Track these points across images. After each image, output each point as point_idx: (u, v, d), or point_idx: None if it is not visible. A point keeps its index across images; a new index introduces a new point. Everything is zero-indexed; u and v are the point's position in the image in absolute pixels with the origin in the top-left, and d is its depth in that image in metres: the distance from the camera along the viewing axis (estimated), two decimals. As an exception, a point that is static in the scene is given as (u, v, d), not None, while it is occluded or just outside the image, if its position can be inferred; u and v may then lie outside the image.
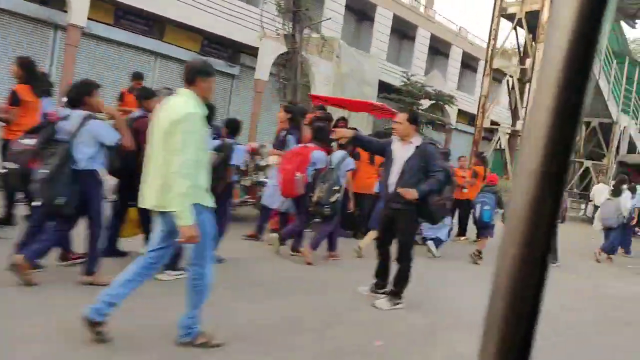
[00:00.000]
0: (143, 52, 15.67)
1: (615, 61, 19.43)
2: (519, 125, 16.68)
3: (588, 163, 20.81)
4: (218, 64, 17.24)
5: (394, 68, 21.20)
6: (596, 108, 19.71)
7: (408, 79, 20.75)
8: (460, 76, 25.91)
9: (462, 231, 8.93)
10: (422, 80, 21.98)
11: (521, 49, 17.78)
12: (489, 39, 16.67)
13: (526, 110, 16.17)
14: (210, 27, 16.27)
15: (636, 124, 21.68)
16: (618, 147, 20.52)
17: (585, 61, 0.42)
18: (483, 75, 16.81)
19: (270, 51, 16.75)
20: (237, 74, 17.61)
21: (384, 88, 20.48)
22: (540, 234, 0.44)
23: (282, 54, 17.26)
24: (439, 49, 25.01)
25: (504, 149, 17.54)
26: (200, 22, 15.91)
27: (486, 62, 16.63)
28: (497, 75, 20.95)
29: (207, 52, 16.95)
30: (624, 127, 20.80)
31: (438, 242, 7.26)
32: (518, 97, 16.48)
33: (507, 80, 17.07)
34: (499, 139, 17.29)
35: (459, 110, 24.00)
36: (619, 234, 9.85)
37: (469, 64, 25.86)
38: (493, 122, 18.73)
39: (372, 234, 6.46)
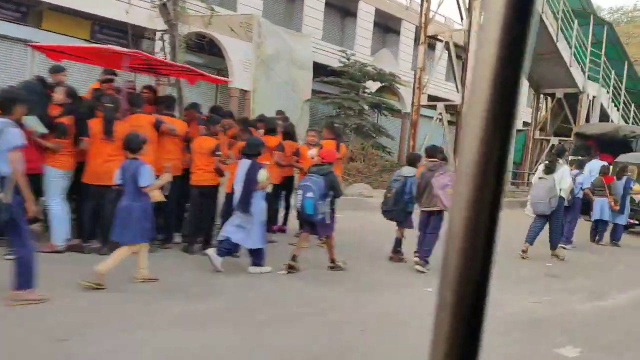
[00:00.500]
0: (16, 43, 13.47)
1: (576, 21, 17.09)
2: (463, 98, 14.32)
3: (555, 140, 18.47)
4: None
5: (331, 48, 18.91)
6: (558, 77, 17.42)
7: (348, 59, 18.47)
8: (415, 55, 23.55)
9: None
10: (368, 60, 19.73)
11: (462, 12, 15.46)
12: (422, 1, 14.39)
13: (462, 81, 13.88)
14: (99, 11, 14.09)
15: (608, 92, 19.30)
16: (588, 120, 18.15)
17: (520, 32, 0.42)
18: (418, 44, 14.53)
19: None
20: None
21: (321, 70, 18.24)
22: (484, 219, 0.44)
23: (186, 35, 15.09)
24: (389, 26, 22.74)
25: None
26: (85, 4, 13.73)
27: (420, 28, 14.36)
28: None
29: (100, 39, 14.75)
30: (593, 96, 18.44)
31: (227, 249, 5.06)
32: (455, 64, 14.18)
33: (447, 48, 14.75)
34: (441, 116, 15.00)
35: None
36: (559, 221, 7.57)
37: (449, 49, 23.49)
38: (433, 98, 16.46)
39: (122, 252, 4.25)
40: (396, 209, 6.14)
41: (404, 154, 19.17)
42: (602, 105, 18.92)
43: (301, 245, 5.43)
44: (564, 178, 7.42)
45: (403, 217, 6.22)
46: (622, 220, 9.16)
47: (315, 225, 5.31)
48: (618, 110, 20.03)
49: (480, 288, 0.45)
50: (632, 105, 20.58)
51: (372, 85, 19.86)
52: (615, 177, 9.21)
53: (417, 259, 5.96)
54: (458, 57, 14.65)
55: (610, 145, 12.99)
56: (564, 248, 8.42)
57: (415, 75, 14.61)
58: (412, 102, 14.49)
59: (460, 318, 0.45)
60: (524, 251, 7.16)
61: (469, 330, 0.45)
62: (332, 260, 5.42)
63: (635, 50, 27.55)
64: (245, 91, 16.27)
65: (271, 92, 16.56)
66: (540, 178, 7.47)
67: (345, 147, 6.47)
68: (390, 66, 20.25)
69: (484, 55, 0.42)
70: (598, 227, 9.08)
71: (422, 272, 5.73)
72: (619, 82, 19.72)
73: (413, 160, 6.38)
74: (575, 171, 8.64)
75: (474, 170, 0.43)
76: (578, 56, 17.93)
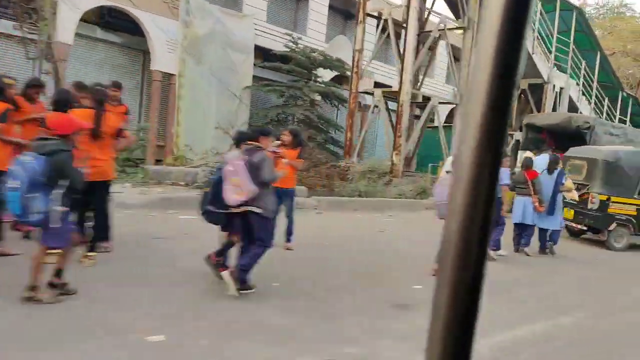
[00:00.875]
0: None
1: (539, 3, 15.51)
2: (402, 83, 12.67)
3: (518, 135, 16.90)
4: (5, 25, 13.35)
5: (277, 31, 17.31)
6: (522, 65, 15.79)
7: (295, 44, 16.84)
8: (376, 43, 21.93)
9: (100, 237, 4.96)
10: (322, 47, 18.12)
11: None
12: (360, -24, 12.81)
13: (402, 63, 12.27)
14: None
15: (577, 83, 17.73)
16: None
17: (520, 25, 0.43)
18: (356, 24, 12.94)
19: (77, 2, 12.85)
20: (38, 39, 13.71)
21: (267, 55, 16.66)
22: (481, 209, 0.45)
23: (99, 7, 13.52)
24: (350, 12, 21.09)
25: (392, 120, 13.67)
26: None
27: (359, 6, 12.77)
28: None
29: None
30: (561, 88, 16.87)
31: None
32: (394, 45, 12.59)
33: (386, 27, 13.16)
34: (379, 104, 13.40)
35: (375, 83, 20.02)
36: None
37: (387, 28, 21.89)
38: (374, 85, 14.89)
39: None
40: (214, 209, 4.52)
41: (357, 146, 17.59)
42: (571, 98, 17.37)
43: (42, 262, 3.76)
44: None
45: (225, 219, 4.62)
46: (554, 224, 7.57)
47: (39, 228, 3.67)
48: (590, 103, 18.47)
49: (474, 290, 0.46)
50: (606, 99, 19.03)
51: (327, 74, 18.22)
52: (545, 172, 7.63)
53: (229, 273, 4.36)
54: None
55: (564, 138, 11.42)
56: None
57: (353, 58, 13.01)
58: (350, 89, 12.90)
59: (455, 318, 0.46)
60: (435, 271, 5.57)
61: (463, 331, 0.46)
62: (32, 288, 3.66)
63: (615, 43, 26.05)
64: (171, 75, 14.67)
65: (202, 77, 15.00)
66: (447, 172, 5.88)
67: (120, 118, 4.81)
68: (348, 54, 18.65)
69: (480, 63, 0.43)
70: (522, 233, 7.48)
71: (234, 295, 4.15)
72: (591, 74, 18.16)
73: (240, 142, 4.77)
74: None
75: (470, 175, 0.44)
76: (544, 44, 16.39)
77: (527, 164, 7.39)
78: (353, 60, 13.21)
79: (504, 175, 6.97)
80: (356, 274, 5.22)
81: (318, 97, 17.61)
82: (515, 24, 0.42)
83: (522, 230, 7.45)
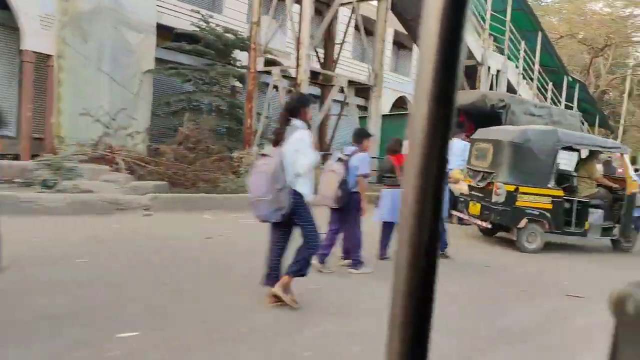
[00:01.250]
0: None
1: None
2: (299, 59, 10.89)
3: (452, 122, 15.37)
4: None
5: (186, 8, 15.41)
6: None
7: (206, 22, 14.94)
8: (316, 25, 20.17)
9: None
10: (244, 28, 16.27)
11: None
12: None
13: (299, 36, 10.53)
14: None
15: (517, 66, 16.32)
16: (490, 98, 15.10)
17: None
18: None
19: None
20: None
21: (175, 35, 14.76)
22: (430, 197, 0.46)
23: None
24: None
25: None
26: None
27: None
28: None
29: None
30: (497, 70, 15.42)
31: None
32: (289, 16, 10.85)
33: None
34: (277, 84, 11.64)
35: (312, 72, 18.21)
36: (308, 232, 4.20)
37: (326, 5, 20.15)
38: (270, 63, 13.15)
39: None
40: None
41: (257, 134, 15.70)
42: (509, 82, 15.95)
43: None
44: (302, 151, 3.92)
45: None
46: (433, 222, 5.95)
47: None
48: (531, 88, 17.12)
49: (428, 278, 0.47)
50: (550, 84, 17.72)
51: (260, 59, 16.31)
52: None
53: None
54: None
55: (480, 119, 9.88)
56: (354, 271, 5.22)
57: (250, 32, 11.21)
58: (248, 67, 11.10)
59: (412, 305, 0.47)
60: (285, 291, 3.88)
61: (421, 317, 0.48)
62: None
63: (566, 26, 24.93)
64: (49, 56, 12.64)
65: (87, 59, 12.99)
66: (262, 155, 4.08)
67: None
68: (275, 38, 16.83)
69: (425, 55, 0.44)
70: (391, 234, 5.81)
71: None
72: (532, 56, 16.79)
73: None
74: (350, 148, 5.42)
75: (420, 164, 0.45)
76: (477, 23, 14.90)
77: (394, 148, 5.67)
78: (250, 35, 11.40)
79: (363, 162, 5.25)
80: (64, 312, 3.37)
81: (238, 83, 15.82)
82: (456, 13, 0.43)
83: (391, 231, 5.77)
